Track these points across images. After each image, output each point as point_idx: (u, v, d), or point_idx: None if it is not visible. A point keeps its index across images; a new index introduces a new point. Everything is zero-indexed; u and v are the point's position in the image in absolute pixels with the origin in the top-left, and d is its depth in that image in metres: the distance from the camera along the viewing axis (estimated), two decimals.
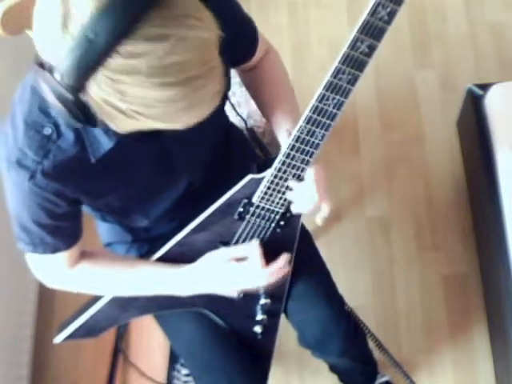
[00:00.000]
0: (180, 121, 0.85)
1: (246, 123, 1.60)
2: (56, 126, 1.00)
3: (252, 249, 1.26)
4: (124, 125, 0.84)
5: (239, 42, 1.18)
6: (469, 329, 2.07)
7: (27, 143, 1.00)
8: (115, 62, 0.75)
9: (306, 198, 1.20)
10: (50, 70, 0.80)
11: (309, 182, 1.17)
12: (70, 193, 1.08)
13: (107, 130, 0.99)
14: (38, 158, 1.01)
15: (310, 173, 1.17)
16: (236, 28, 1.17)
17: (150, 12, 0.75)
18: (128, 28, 0.74)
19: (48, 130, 1.00)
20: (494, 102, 1.93)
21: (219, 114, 1.28)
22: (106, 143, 1.02)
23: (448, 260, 2.17)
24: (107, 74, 0.76)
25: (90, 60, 0.75)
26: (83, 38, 0.74)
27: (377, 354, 1.88)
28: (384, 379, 1.88)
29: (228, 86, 1.25)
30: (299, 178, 1.18)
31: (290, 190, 1.20)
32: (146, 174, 1.16)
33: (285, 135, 1.20)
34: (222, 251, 1.27)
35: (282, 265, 1.27)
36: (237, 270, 1.25)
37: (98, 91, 0.79)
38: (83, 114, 0.83)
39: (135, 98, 0.78)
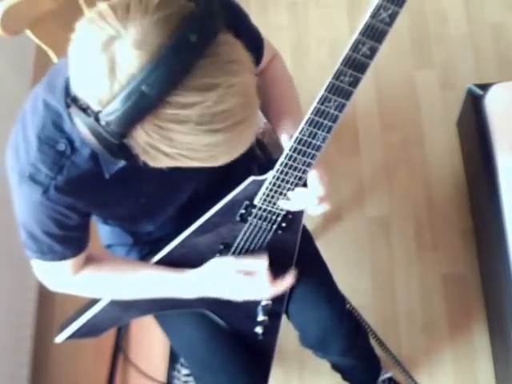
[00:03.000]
0: (222, 160, 0.88)
1: None
2: (70, 141, 1.00)
3: (260, 266, 1.25)
4: (165, 163, 0.86)
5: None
6: (469, 329, 2.07)
7: (41, 158, 1.00)
8: (166, 111, 0.77)
9: (307, 199, 1.19)
10: (93, 113, 0.81)
11: (311, 183, 1.17)
12: (82, 206, 1.09)
13: None
14: (52, 173, 1.01)
15: (312, 175, 1.17)
16: (245, 38, 1.17)
17: (199, 62, 0.76)
18: (179, 79, 0.76)
19: (62, 146, 1.00)
20: (494, 102, 1.93)
21: None
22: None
23: (448, 260, 2.17)
24: (157, 122, 0.78)
25: (142, 111, 0.77)
26: (136, 89, 0.75)
27: (378, 351, 1.88)
28: (387, 375, 1.89)
29: None
30: (301, 180, 1.18)
31: (292, 190, 1.20)
32: (156, 185, 1.16)
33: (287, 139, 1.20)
34: (230, 260, 1.27)
35: (288, 284, 1.27)
36: (242, 283, 1.25)
37: (145, 137, 0.80)
38: (123, 155, 0.84)
39: (183, 144, 0.80)
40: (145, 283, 1.28)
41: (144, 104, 0.76)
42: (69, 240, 1.15)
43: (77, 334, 1.35)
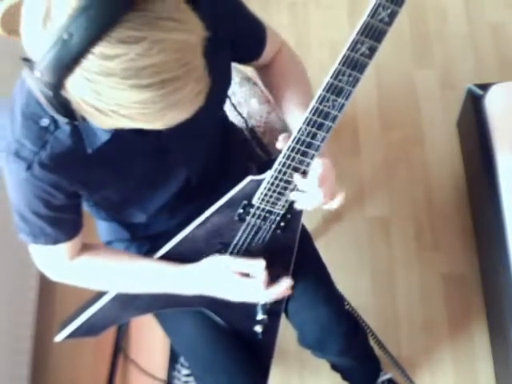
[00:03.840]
0: (159, 121, 0.86)
1: (246, 123, 1.60)
2: (53, 117, 1.00)
3: (257, 269, 1.24)
4: (103, 122, 0.85)
5: (243, 41, 1.18)
6: (469, 328, 2.07)
7: (25, 134, 1.01)
8: (90, 63, 0.76)
9: (310, 196, 1.18)
10: (32, 66, 0.81)
11: (313, 179, 1.16)
12: (68, 185, 1.09)
13: None
14: (36, 148, 1.02)
15: (315, 169, 1.16)
16: (238, 27, 1.17)
17: (125, 15, 0.75)
18: (102, 30, 0.75)
19: (45, 122, 1.01)
20: (494, 102, 1.93)
21: (217, 111, 1.28)
22: (103, 135, 1.03)
23: (448, 260, 2.17)
24: (84, 74, 0.77)
25: (66, 60, 0.76)
26: (59, 37, 0.75)
27: (378, 352, 1.88)
28: (386, 377, 1.88)
29: (228, 81, 1.25)
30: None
31: (295, 187, 1.20)
32: (144, 167, 1.16)
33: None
34: (228, 259, 1.27)
35: (283, 290, 1.27)
36: (238, 283, 1.25)
37: (75, 90, 0.80)
38: (64, 110, 0.84)
39: (110, 99, 0.79)
40: (141, 273, 1.28)
41: (66, 53, 0.76)
42: (59, 222, 1.16)
43: (76, 333, 1.35)
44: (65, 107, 0.84)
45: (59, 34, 0.75)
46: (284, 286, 1.27)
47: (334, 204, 1.20)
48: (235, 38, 1.16)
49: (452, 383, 2.01)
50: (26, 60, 0.82)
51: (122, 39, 0.75)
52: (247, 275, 1.25)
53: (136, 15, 0.76)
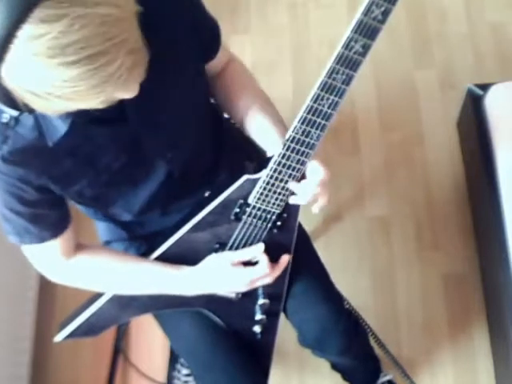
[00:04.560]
0: (96, 99, 0.85)
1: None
2: None
3: (258, 252, 1.27)
4: (44, 107, 0.85)
5: (202, 34, 1.18)
6: (469, 329, 2.07)
7: None
8: (17, 47, 0.76)
9: (306, 192, 1.19)
10: None
11: (312, 184, 1.17)
12: (35, 179, 1.09)
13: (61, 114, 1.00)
14: None
15: (315, 174, 1.16)
16: (196, 21, 1.16)
17: None
18: (23, 13, 0.75)
19: (6, 117, 1.01)
20: (494, 102, 1.93)
21: (197, 103, 1.27)
22: (61, 126, 1.03)
23: (448, 260, 2.17)
24: (13, 59, 0.77)
25: None
26: None
27: (378, 353, 1.88)
28: (387, 378, 1.88)
29: (203, 74, 1.24)
30: (295, 179, 1.18)
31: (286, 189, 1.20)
32: (116, 160, 1.15)
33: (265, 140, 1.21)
34: (226, 255, 1.28)
35: (284, 266, 1.29)
36: (243, 273, 1.26)
37: (10, 77, 0.80)
38: (8, 100, 0.84)
39: (43, 81, 0.79)
40: (140, 274, 1.28)
41: None
42: (39, 219, 1.16)
43: (76, 333, 1.35)
44: (7, 97, 0.84)
45: None
46: (284, 261, 1.29)
47: (323, 202, 1.20)
48: (194, 31, 1.16)
49: (452, 383, 2.01)
50: None
51: (44, 18, 0.75)
52: (249, 264, 1.27)
53: None
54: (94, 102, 0.85)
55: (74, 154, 1.09)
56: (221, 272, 1.26)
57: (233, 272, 1.26)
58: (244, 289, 1.31)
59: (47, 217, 1.18)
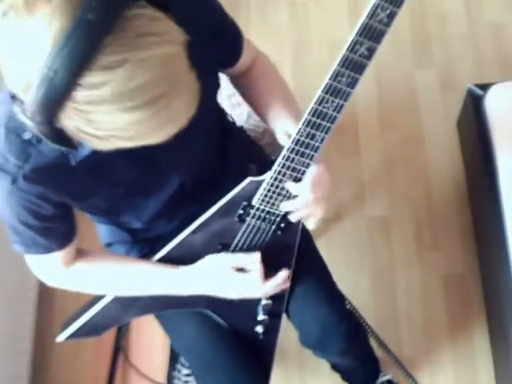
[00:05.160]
0: (158, 136, 0.85)
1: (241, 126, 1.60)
2: None
3: (253, 262, 1.26)
4: (101, 146, 0.85)
5: (222, 43, 1.18)
6: (469, 329, 2.07)
7: (8, 148, 1.01)
8: (79, 94, 0.76)
9: (302, 201, 1.19)
10: (22, 107, 0.81)
11: (306, 183, 1.17)
12: (54, 196, 1.09)
13: None
14: (19, 162, 1.01)
15: (308, 174, 1.17)
16: (216, 28, 1.16)
17: (103, 41, 0.75)
18: (84, 61, 0.74)
19: (28, 135, 1.00)
20: (494, 102, 1.93)
21: (208, 113, 1.28)
22: (87, 146, 1.02)
23: (448, 260, 2.17)
24: (74, 105, 0.77)
25: (54, 97, 0.76)
26: (45, 76, 0.75)
27: (378, 352, 1.88)
28: (386, 378, 1.88)
29: (216, 83, 1.24)
30: (299, 181, 1.18)
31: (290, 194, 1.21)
32: (131, 174, 1.15)
33: (283, 134, 1.20)
34: (224, 257, 1.28)
35: (280, 281, 1.28)
36: (235, 279, 1.26)
37: (70, 122, 0.79)
38: (61, 139, 0.84)
39: (106, 125, 0.79)
40: (138, 276, 1.28)
41: (54, 90, 0.75)
42: (50, 232, 1.16)
43: (78, 334, 1.35)
44: (61, 137, 0.83)
45: (44, 73, 0.75)
46: (281, 276, 1.28)
47: (312, 222, 1.20)
48: (216, 40, 1.16)
49: (452, 383, 2.01)
50: (14, 98, 0.82)
51: (106, 65, 0.75)
52: (244, 271, 1.26)
53: (114, 38, 0.75)
54: (156, 138, 0.85)
55: (94, 170, 1.08)
56: (215, 272, 1.26)
57: (226, 275, 1.26)
58: (234, 297, 1.31)
59: (57, 229, 1.18)
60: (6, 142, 1.01)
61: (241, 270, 1.27)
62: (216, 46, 1.15)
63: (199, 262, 1.27)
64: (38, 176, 1.03)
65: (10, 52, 0.78)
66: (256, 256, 1.27)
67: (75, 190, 1.11)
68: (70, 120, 0.79)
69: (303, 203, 1.20)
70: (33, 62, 0.75)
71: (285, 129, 1.22)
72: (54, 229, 1.17)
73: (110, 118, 0.78)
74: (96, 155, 0.99)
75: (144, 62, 0.76)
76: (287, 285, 1.35)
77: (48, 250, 1.18)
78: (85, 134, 0.81)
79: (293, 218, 1.26)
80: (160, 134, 0.85)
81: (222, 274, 1.26)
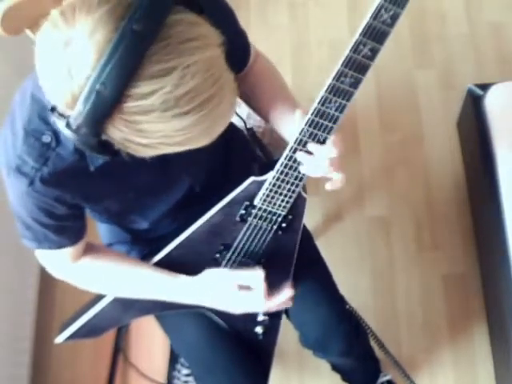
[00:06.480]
0: (203, 139, 0.86)
1: (245, 123, 1.60)
2: (55, 133, 1.01)
3: (257, 280, 1.25)
4: (147, 153, 0.85)
5: (233, 49, 1.18)
6: (469, 329, 2.08)
7: (27, 150, 1.01)
8: (128, 105, 0.76)
9: (320, 163, 1.13)
10: (64, 118, 0.82)
11: (328, 147, 1.11)
12: (70, 198, 1.09)
13: None
14: (38, 165, 1.02)
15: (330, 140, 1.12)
16: (231, 37, 1.17)
17: (150, 49, 0.75)
18: (132, 71, 0.75)
19: (47, 138, 1.01)
20: (494, 102, 1.93)
21: None
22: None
23: (448, 260, 2.17)
24: (123, 117, 0.78)
25: (104, 110, 0.77)
26: (92, 89, 0.75)
27: (378, 353, 1.88)
28: (386, 378, 1.88)
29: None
30: (301, 181, 1.18)
31: (292, 191, 1.20)
32: (145, 178, 1.16)
33: (289, 132, 1.18)
34: (226, 273, 1.27)
35: (284, 299, 1.28)
36: (239, 297, 1.25)
37: (118, 133, 0.80)
38: (107, 152, 0.85)
39: (155, 133, 0.80)
40: (141, 278, 1.28)
41: (103, 103, 0.76)
42: (63, 229, 1.16)
43: (77, 335, 1.35)
44: (106, 147, 0.84)
45: (92, 86, 0.75)
46: (286, 295, 1.28)
47: (338, 182, 1.14)
48: (229, 48, 1.17)
49: (452, 383, 2.02)
50: (56, 112, 0.83)
51: (153, 74, 0.76)
52: (247, 287, 1.25)
53: (160, 47, 0.76)
54: (202, 142, 0.86)
55: (110, 175, 1.09)
56: (218, 289, 1.26)
57: (229, 292, 1.25)
58: (236, 312, 1.30)
59: (70, 227, 1.18)
60: (25, 144, 1.01)
61: (245, 287, 1.26)
62: (228, 52, 1.16)
63: (201, 276, 1.27)
64: (55, 179, 1.04)
65: (50, 65, 0.78)
66: (260, 274, 1.25)
67: (91, 194, 1.12)
68: (119, 132, 0.80)
69: (320, 159, 1.14)
70: (77, 74, 0.76)
71: (291, 126, 1.18)
72: (68, 227, 1.17)
73: (161, 126, 0.79)
74: (114, 161, 1.00)
75: (190, 67, 0.77)
76: (290, 304, 1.34)
77: (60, 246, 1.18)
78: (131, 143, 0.81)
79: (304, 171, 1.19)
80: (206, 137, 0.86)
81: (226, 292, 1.25)
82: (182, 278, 1.27)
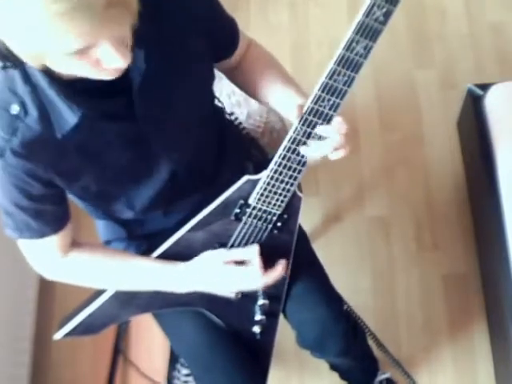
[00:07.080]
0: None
1: (240, 122, 1.60)
2: (23, 104, 1.01)
3: (252, 253, 1.26)
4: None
5: (217, 35, 1.18)
6: (469, 328, 2.07)
7: None
8: None
9: (325, 144, 1.11)
10: None
11: (335, 126, 1.09)
12: (42, 173, 1.09)
13: (71, 105, 1.01)
14: (7, 135, 1.02)
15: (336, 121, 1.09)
16: (211, 20, 1.17)
17: None
18: None
19: (16, 109, 1.01)
20: (494, 102, 1.93)
21: (202, 105, 1.27)
22: (71, 119, 1.03)
23: (448, 260, 2.17)
24: None
25: None
26: None
27: (377, 352, 1.88)
28: (384, 376, 1.89)
29: (210, 75, 1.25)
30: (296, 180, 1.18)
31: (287, 190, 1.20)
32: (123, 157, 1.16)
33: (291, 110, 1.13)
34: (221, 252, 1.27)
35: (279, 273, 1.28)
36: (234, 272, 1.26)
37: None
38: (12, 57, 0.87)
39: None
40: (133, 270, 1.28)
41: None
42: (42, 214, 1.15)
43: (75, 331, 1.35)
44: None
45: None
46: (279, 268, 1.28)
47: (342, 152, 1.12)
48: (209, 31, 1.17)
49: (451, 383, 2.01)
50: None
51: None
52: (242, 263, 1.26)
53: None
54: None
55: (82, 149, 1.09)
56: (212, 268, 1.26)
57: (224, 270, 1.26)
58: (233, 291, 1.31)
59: (49, 212, 1.17)
60: None
61: (239, 263, 1.27)
62: (211, 37, 1.16)
63: (194, 261, 1.27)
64: (26, 151, 1.04)
65: None
66: (254, 248, 1.27)
67: (63, 168, 1.11)
68: None
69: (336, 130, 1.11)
70: None
71: (292, 103, 1.15)
72: (47, 211, 1.16)
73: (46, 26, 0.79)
74: (83, 132, 1.01)
75: None
76: (285, 273, 1.34)
77: (41, 234, 1.18)
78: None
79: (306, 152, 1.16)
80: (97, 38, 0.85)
81: (220, 268, 1.26)
82: (176, 266, 1.27)
